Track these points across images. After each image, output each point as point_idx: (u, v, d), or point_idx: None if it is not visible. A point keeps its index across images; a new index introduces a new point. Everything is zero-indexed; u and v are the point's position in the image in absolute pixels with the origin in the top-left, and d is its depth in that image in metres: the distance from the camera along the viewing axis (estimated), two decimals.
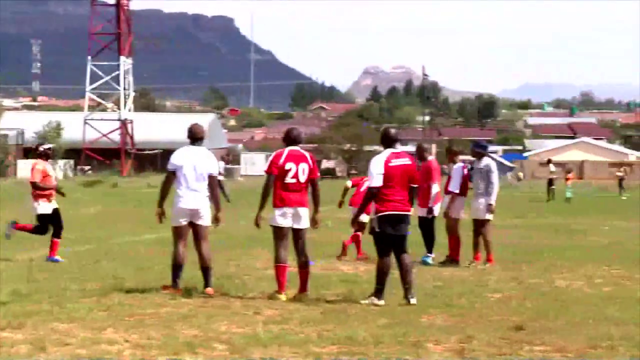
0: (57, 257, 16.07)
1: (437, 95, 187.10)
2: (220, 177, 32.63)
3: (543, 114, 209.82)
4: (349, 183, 17.93)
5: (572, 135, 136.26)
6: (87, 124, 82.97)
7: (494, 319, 10.75)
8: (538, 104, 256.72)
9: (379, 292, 11.74)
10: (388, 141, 12.10)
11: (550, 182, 47.10)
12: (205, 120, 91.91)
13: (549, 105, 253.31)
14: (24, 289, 12.23)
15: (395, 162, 11.84)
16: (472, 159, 17.10)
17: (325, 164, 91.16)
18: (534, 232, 24.38)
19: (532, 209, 37.27)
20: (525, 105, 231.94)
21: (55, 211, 16.37)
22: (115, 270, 14.41)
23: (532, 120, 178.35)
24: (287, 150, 12.14)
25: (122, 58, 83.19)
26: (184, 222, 12.33)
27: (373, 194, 11.79)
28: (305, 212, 12.09)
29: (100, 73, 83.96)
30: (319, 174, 12.43)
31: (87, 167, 78.74)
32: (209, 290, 12.19)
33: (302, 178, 12.03)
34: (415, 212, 13.12)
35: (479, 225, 16.47)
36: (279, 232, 12.06)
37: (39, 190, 16.22)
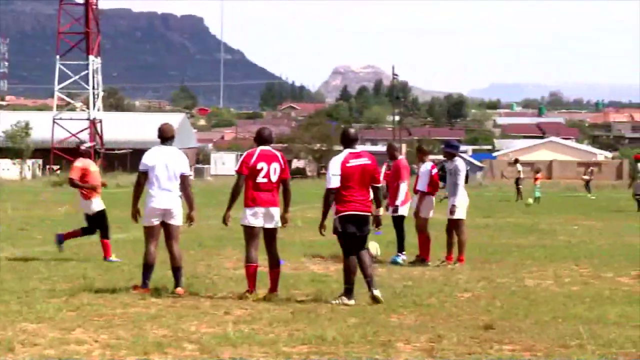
0: (112, 257, 16.10)
1: (406, 95, 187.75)
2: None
3: (512, 114, 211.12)
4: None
5: (541, 135, 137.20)
6: (56, 123, 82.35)
7: (463, 318, 10.78)
8: (507, 103, 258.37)
9: (348, 292, 11.74)
10: (347, 141, 12.08)
11: (518, 182, 47.25)
12: (175, 119, 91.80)
13: (517, 105, 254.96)
14: None
15: (354, 163, 11.82)
16: (443, 159, 17.14)
17: (296, 163, 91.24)
18: (503, 232, 24.45)
19: (501, 209, 37.41)
20: (494, 105, 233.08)
21: (103, 211, 16.49)
22: (85, 271, 14.34)
23: (501, 120, 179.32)
24: (258, 150, 12.12)
25: (91, 57, 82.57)
26: (156, 221, 12.31)
27: (331, 196, 11.80)
28: (276, 212, 12.07)
29: (68, 72, 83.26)
30: (289, 175, 12.42)
31: (56, 167, 78.15)
32: (180, 290, 12.17)
33: (274, 178, 12.01)
34: (382, 211, 13.08)
35: (453, 225, 16.50)
36: (250, 232, 12.03)
37: (78, 187, 16.38)
